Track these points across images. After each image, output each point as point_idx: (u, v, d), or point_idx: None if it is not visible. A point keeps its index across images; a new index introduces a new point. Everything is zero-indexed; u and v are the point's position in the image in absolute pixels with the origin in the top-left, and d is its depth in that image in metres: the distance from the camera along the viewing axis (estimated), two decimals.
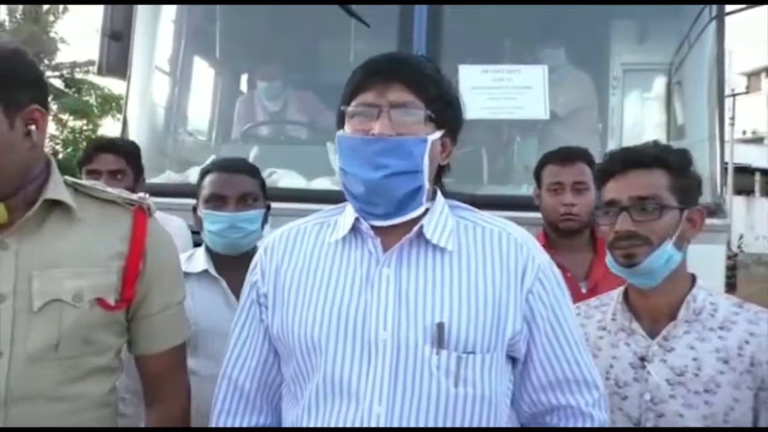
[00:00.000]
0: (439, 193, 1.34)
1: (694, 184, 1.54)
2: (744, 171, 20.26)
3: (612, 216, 1.51)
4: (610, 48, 3.66)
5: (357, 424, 1.20)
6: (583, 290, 2.16)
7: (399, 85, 1.24)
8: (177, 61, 3.87)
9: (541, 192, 2.33)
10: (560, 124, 3.28)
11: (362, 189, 1.24)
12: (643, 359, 1.52)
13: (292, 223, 1.41)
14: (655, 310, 1.55)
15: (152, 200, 1.44)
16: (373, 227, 1.28)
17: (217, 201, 1.92)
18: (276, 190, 2.92)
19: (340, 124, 1.30)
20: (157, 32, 3.77)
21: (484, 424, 1.23)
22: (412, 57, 1.35)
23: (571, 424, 1.31)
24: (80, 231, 1.30)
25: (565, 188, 2.25)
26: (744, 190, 21.10)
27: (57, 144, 21.42)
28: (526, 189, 3.13)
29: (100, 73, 3.76)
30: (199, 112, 4.28)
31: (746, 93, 21.29)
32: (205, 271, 1.93)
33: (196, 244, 2.14)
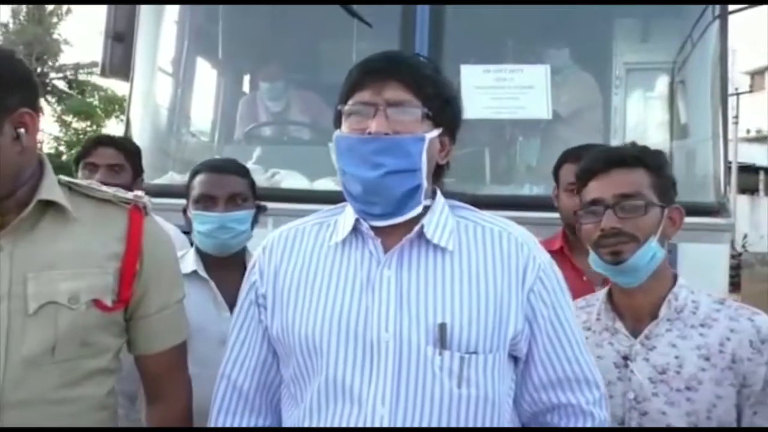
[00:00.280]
0: (438, 192, 1.34)
1: (671, 183, 1.56)
2: (748, 170, 20.22)
3: (597, 215, 1.51)
4: (612, 47, 3.64)
5: (360, 426, 1.20)
6: None
7: (395, 83, 1.24)
8: (180, 62, 3.86)
9: (559, 192, 2.23)
10: (563, 124, 3.26)
11: (360, 188, 1.24)
12: (626, 358, 1.53)
13: (290, 223, 1.40)
14: (638, 309, 1.56)
15: (154, 201, 1.43)
16: (373, 228, 1.27)
17: (206, 201, 1.91)
18: (279, 190, 2.94)
19: (338, 123, 1.30)
20: (160, 33, 3.76)
21: (487, 425, 1.23)
22: (409, 55, 1.35)
23: (571, 423, 1.31)
24: (75, 231, 1.29)
25: None
26: (748, 189, 21.05)
27: (61, 145, 21.51)
28: (529, 189, 3.13)
29: (103, 74, 3.75)
30: (202, 113, 4.27)
31: (750, 92, 21.29)
32: (194, 272, 1.92)
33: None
